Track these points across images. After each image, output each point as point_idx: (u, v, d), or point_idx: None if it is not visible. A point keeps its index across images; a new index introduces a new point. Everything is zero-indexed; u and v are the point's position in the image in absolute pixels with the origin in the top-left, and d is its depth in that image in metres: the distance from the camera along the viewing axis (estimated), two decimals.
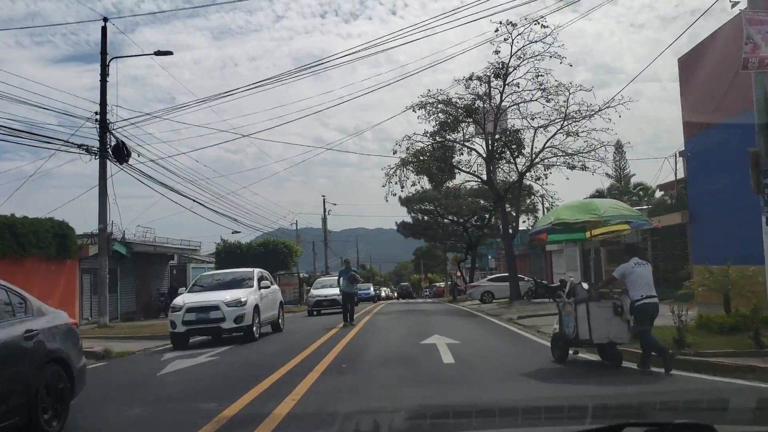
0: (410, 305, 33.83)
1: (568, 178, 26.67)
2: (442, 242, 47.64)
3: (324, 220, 55.42)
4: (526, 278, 29.46)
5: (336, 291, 20.64)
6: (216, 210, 28.10)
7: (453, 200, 39.73)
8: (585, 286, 9.31)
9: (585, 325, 8.30)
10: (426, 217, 44.69)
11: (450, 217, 43.45)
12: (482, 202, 40.62)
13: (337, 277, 18.28)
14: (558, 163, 25.77)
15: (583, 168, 25.23)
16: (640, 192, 37.16)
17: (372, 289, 48.70)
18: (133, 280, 27.14)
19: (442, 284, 67.19)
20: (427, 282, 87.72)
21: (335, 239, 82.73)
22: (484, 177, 27.48)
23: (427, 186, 27.58)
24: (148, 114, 20.41)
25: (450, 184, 27.80)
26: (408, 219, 45.30)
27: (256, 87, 29.87)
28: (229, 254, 32.95)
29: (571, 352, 9.15)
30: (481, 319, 18.96)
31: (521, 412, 5.36)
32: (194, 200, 26.02)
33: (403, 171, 26.84)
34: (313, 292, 26.11)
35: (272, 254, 32.87)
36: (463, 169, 27.48)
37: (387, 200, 27.13)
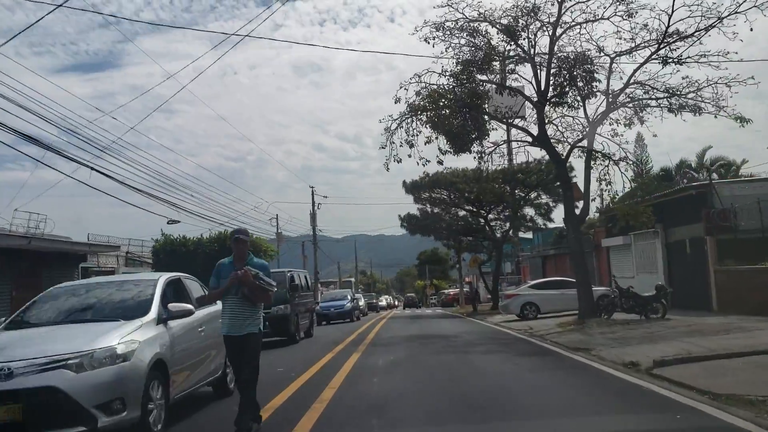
0: (421, 322, 24.85)
1: (655, 135, 17.55)
2: (456, 240, 38.35)
3: (313, 216, 46.33)
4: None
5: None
6: (136, 187, 18.86)
7: (474, 184, 30.55)
8: None
9: None
10: (436, 209, 35.54)
11: (468, 207, 34.26)
12: (507, 188, 31.54)
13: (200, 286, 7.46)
14: (655, 105, 16.65)
15: (696, 111, 16.10)
16: (721, 169, 27.97)
17: (350, 298, 31.64)
18: (5, 289, 18.07)
19: (452, 291, 58.35)
20: (433, 289, 79.40)
21: (335, 245, 73.73)
22: (531, 131, 18.39)
23: (446, 147, 18.29)
24: None
25: (486, 142, 18.45)
26: (414, 211, 36.16)
27: None
28: (171, 253, 23.91)
29: None
30: (576, 367, 9.62)
31: None
32: (92, 168, 17.04)
33: (413, 123, 17.69)
34: None
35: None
36: (502, 118, 18.32)
37: (388, 168, 17.94)
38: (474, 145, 18.68)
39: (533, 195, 32.50)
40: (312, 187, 46.70)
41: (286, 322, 16.10)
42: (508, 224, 34.63)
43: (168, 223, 22.54)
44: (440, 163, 18.14)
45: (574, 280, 22.01)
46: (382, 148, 17.95)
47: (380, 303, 59.21)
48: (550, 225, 34.45)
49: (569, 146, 18.47)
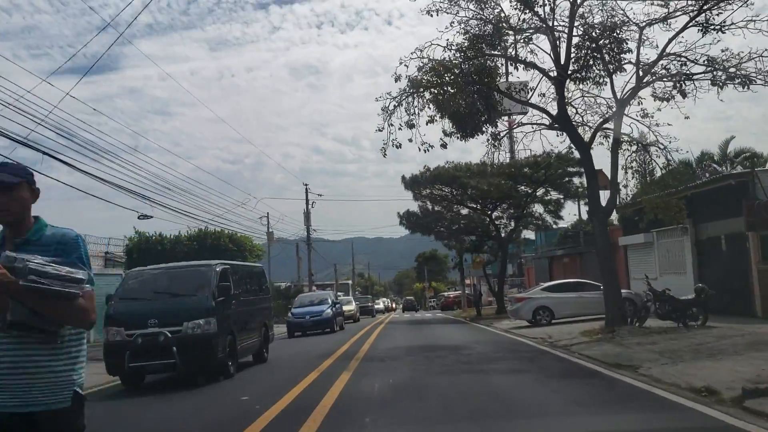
0: (423, 329, 22.66)
1: (687, 117, 15.23)
2: (458, 239, 36.03)
3: (307, 215, 44.01)
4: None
5: None
6: (91, 173, 16.52)
7: (479, 178, 28.33)
8: None
9: None
10: (437, 207, 33.23)
11: (471, 204, 31.96)
12: (512, 183, 29.32)
13: None
14: (694, 78, 14.40)
15: (746, 84, 13.85)
16: (746, 162, 25.75)
17: (331, 302, 25.81)
18: None
19: (452, 294, 56.16)
20: (432, 291, 77.39)
21: (333, 247, 71.16)
22: (548, 110, 16.12)
23: (451, 130, 16.05)
24: None
25: (501, 122, 16.18)
26: (414, 208, 33.81)
27: None
28: (146, 252, 21.61)
29: None
30: (634, 396, 7.25)
31: None
32: (43, 153, 14.74)
33: (414, 101, 15.42)
34: None
35: (211, 252, 21.41)
36: (518, 97, 16.05)
37: (385, 154, 15.74)
38: (486, 126, 16.46)
39: (540, 192, 30.32)
40: (306, 185, 44.35)
41: (208, 347, 10.30)
42: (513, 223, 32.37)
43: (139, 218, 19.95)
44: (444, 146, 15.87)
45: (591, 282, 19.87)
46: (380, 130, 15.70)
47: (377, 306, 56.75)
48: (561, 224, 32.28)
49: (592, 129, 16.24)
